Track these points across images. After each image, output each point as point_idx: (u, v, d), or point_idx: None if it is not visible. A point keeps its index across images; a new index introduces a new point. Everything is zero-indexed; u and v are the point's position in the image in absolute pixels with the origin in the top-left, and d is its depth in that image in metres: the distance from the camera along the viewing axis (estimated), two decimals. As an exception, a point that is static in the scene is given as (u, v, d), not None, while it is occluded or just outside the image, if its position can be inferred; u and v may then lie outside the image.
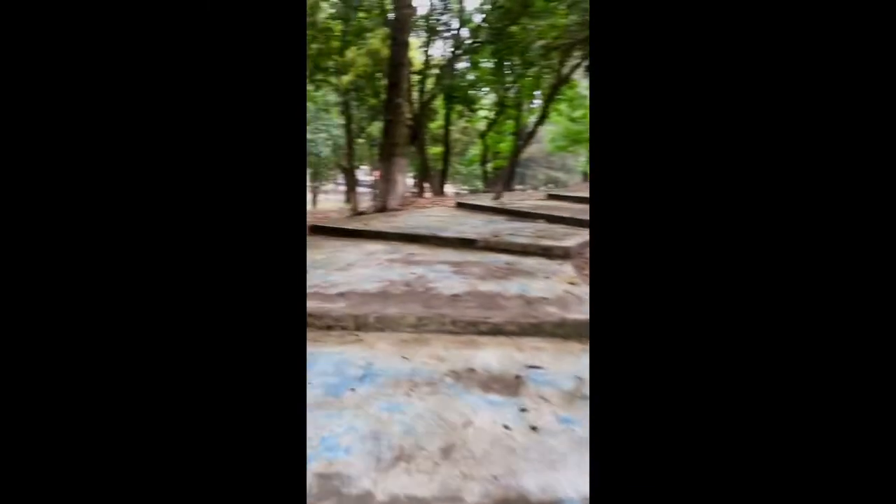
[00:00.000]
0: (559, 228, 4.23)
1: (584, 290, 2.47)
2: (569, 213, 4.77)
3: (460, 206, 6.15)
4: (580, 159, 18.26)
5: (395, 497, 1.05)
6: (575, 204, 5.82)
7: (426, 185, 12.32)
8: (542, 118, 11.45)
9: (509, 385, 1.59)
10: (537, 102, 12.62)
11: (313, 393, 1.52)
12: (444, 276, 2.77)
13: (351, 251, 3.46)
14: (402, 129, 6.68)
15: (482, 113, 14.07)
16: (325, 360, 1.75)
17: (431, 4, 10.86)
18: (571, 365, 1.74)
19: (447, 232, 3.96)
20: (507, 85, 11.63)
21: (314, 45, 8.62)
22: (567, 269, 3.01)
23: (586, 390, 1.56)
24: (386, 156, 6.42)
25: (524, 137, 12.12)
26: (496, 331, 1.99)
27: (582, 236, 3.69)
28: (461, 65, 11.53)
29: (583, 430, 1.32)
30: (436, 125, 14.20)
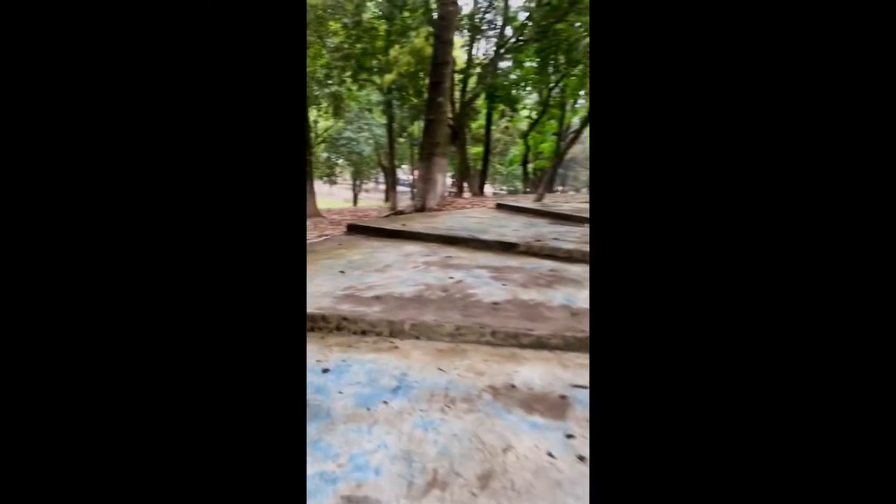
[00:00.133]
0: (605, 233, 4.01)
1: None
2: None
3: (500, 207, 6.01)
4: (625, 161, 17.65)
5: (427, 533, 0.96)
6: (621, 208, 5.56)
7: (465, 185, 12.24)
8: (587, 118, 11.14)
9: (554, 406, 1.46)
10: (582, 102, 12.32)
11: (344, 403, 1.45)
12: (483, 281, 2.66)
13: (389, 252, 3.40)
14: (444, 128, 6.61)
15: (524, 113, 13.89)
16: (357, 367, 1.68)
17: (476, 2, 10.76)
18: (622, 386, 1.59)
19: (487, 235, 3.84)
20: (551, 84, 11.40)
21: (359, 45, 8.69)
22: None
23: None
24: (426, 155, 6.36)
25: (567, 138, 11.83)
26: (539, 344, 1.86)
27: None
28: (504, 63, 11.39)
29: (638, 464, 1.18)
30: (476, 125, 14.12)
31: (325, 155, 17.34)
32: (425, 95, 7.57)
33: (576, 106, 12.71)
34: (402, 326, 1.94)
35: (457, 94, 11.03)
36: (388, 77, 9.73)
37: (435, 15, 7.75)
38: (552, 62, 9.92)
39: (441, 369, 1.68)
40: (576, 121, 12.76)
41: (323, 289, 2.42)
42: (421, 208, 6.12)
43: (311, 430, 1.30)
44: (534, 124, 13.23)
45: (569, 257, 3.25)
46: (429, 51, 8.37)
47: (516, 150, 16.71)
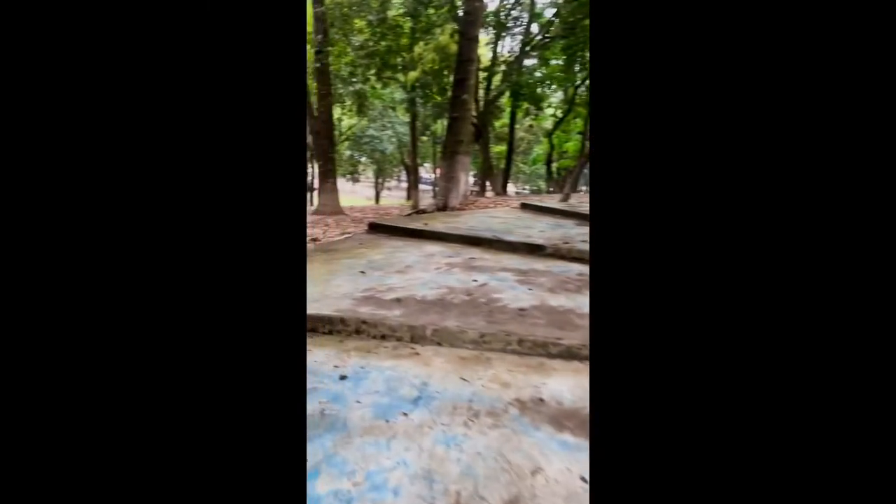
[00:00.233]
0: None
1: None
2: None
3: (525, 207, 5.87)
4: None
5: (449, 569, 0.87)
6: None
7: (488, 183, 12.13)
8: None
9: (586, 423, 1.35)
10: (609, 100, 12.04)
11: (361, 413, 1.37)
12: (508, 285, 2.55)
13: (410, 252, 3.32)
14: (468, 126, 6.51)
15: (549, 111, 13.70)
16: (376, 374, 1.60)
17: (501, -1, 10.61)
18: (660, 403, 1.47)
19: (511, 236, 3.72)
20: (577, 82, 11.18)
21: (383, 43, 8.65)
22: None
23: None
24: (449, 153, 6.26)
25: (593, 137, 11.57)
26: (569, 354, 1.75)
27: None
28: (529, 61, 11.23)
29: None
30: (500, 123, 13.98)
31: (348, 153, 17.43)
32: (449, 93, 7.49)
33: (602, 104, 12.45)
34: (424, 332, 1.85)
35: (481, 92, 10.92)
36: (413, 74, 9.67)
37: (460, 12, 7.65)
38: (579, 59, 9.72)
39: (464, 379, 1.59)
40: (602, 119, 12.51)
41: (342, 290, 2.36)
42: (443, 207, 6.04)
43: (327, 442, 1.23)
44: (559, 123, 13.03)
45: (597, 260, 3.11)
46: (453, 48, 8.28)
47: (540, 149, 16.52)
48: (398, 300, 2.20)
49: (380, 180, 22.41)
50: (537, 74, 11.18)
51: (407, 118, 12.25)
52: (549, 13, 10.22)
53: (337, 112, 13.15)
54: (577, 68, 10.19)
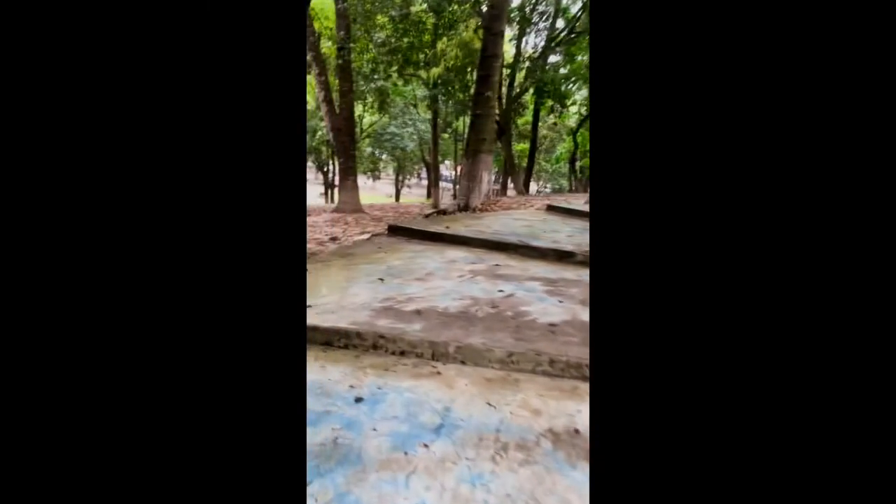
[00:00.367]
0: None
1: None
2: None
3: (551, 209, 5.68)
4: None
5: None
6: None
7: (510, 182, 11.93)
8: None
9: (628, 464, 1.21)
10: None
11: (378, 443, 1.24)
12: (536, 296, 2.40)
13: (431, 257, 3.19)
14: (491, 123, 6.34)
15: (574, 109, 13.43)
16: (394, 396, 1.48)
17: (526, -7, 10.38)
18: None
19: (538, 241, 3.56)
20: (604, 78, 10.87)
21: (406, 39, 8.53)
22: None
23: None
24: (472, 152, 6.11)
25: (620, 135, 11.28)
26: (605, 378, 1.60)
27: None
28: (554, 58, 10.98)
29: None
30: (523, 121, 13.76)
31: (368, 150, 17.41)
32: (472, 90, 7.33)
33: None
34: (446, 349, 1.72)
35: (503, 89, 10.72)
36: (435, 71, 9.53)
37: (484, 7, 7.47)
38: (606, 55, 9.43)
39: (490, 404, 1.45)
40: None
41: (359, 299, 2.24)
42: (465, 208, 5.89)
43: (339, 478, 1.11)
44: (583, 121, 12.74)
45: (629, 268, 2.93)
46: (477, 44, 8.11)
47: (563, 148, 16.23)
48: (418, 312, 2.07)
49: (400, 178, 22.38)
50: (562, 71, 10.92)
51: (428, 115, 12.12)
52: (576, 8, 9.96)
53: (358, 109, 13.10)
54: (603, 64, 9.91)
